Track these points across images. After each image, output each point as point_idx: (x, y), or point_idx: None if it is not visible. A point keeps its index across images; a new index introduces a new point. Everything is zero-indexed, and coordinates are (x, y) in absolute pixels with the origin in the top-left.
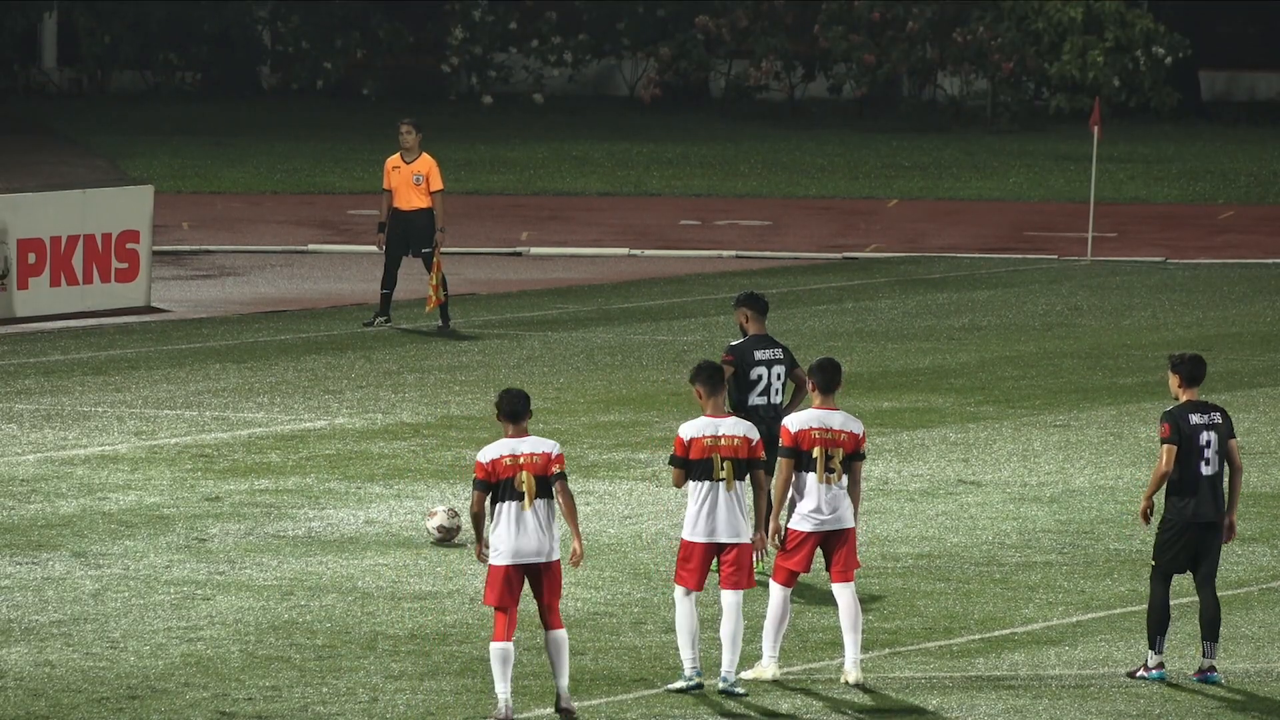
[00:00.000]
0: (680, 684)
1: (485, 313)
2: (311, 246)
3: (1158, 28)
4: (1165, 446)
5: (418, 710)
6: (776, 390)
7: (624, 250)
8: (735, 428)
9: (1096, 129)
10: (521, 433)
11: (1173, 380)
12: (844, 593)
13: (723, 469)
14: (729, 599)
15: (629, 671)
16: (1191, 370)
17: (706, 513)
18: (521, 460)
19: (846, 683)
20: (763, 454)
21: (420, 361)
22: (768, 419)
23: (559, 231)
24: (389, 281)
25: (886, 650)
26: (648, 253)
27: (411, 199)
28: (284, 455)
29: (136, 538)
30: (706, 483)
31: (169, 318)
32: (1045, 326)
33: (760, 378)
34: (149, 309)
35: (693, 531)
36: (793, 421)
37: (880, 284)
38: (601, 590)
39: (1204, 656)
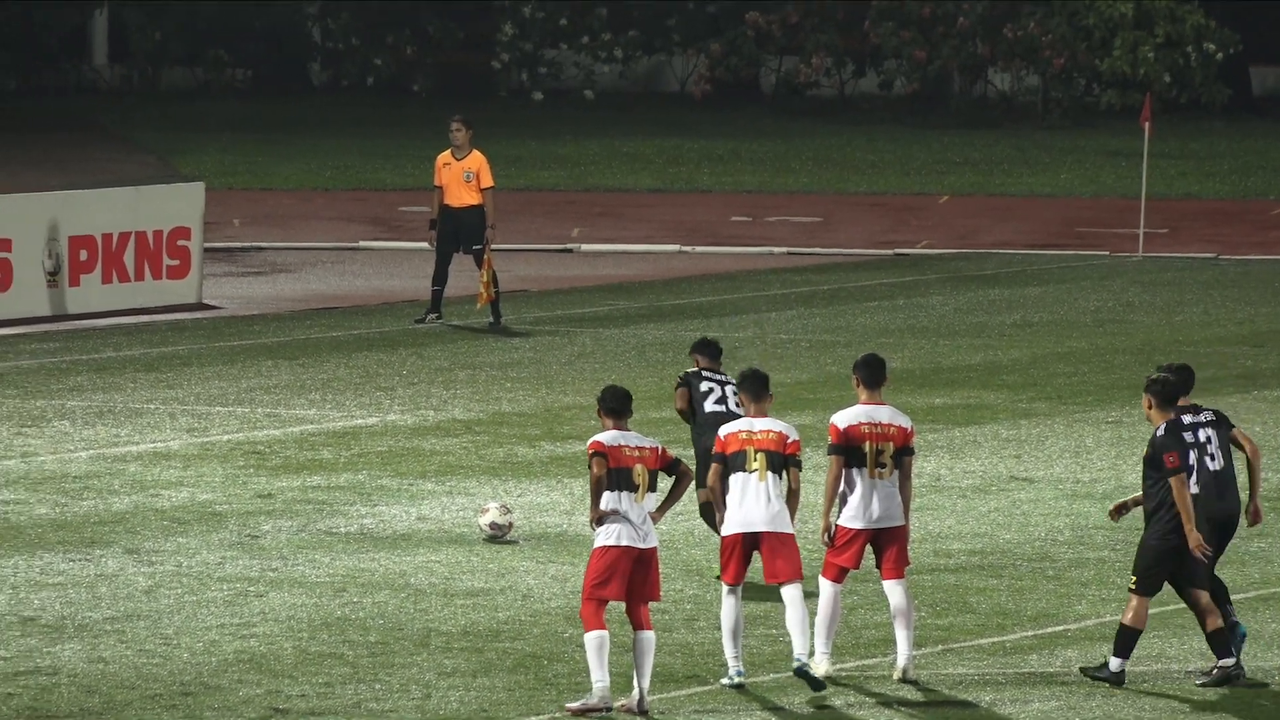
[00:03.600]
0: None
1: (536, 309)
2: (363, 243)
3: (1209, 23)
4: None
5: (470, 707)
6: (735, 401)
7: (675, 247)
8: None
9: (1147, 125)
10: (624, 427)
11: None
12: (895, 590)
13: (755, 460)
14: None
15: (681, 668)
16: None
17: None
18: (637, 453)
19: (899, 679)
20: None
21: (472, 358)
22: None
23: (610, 228)
24: (440, 278)
25: (939, 647)
26: (699, 249)
27: (462, 196)
28: (336, 452)
29: (189, 534)
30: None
31: (221, 314)
32: (1097, 323)
33: (711, 389)
34: (200, 306)
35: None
36: (841, 418)
37: (931, 280)
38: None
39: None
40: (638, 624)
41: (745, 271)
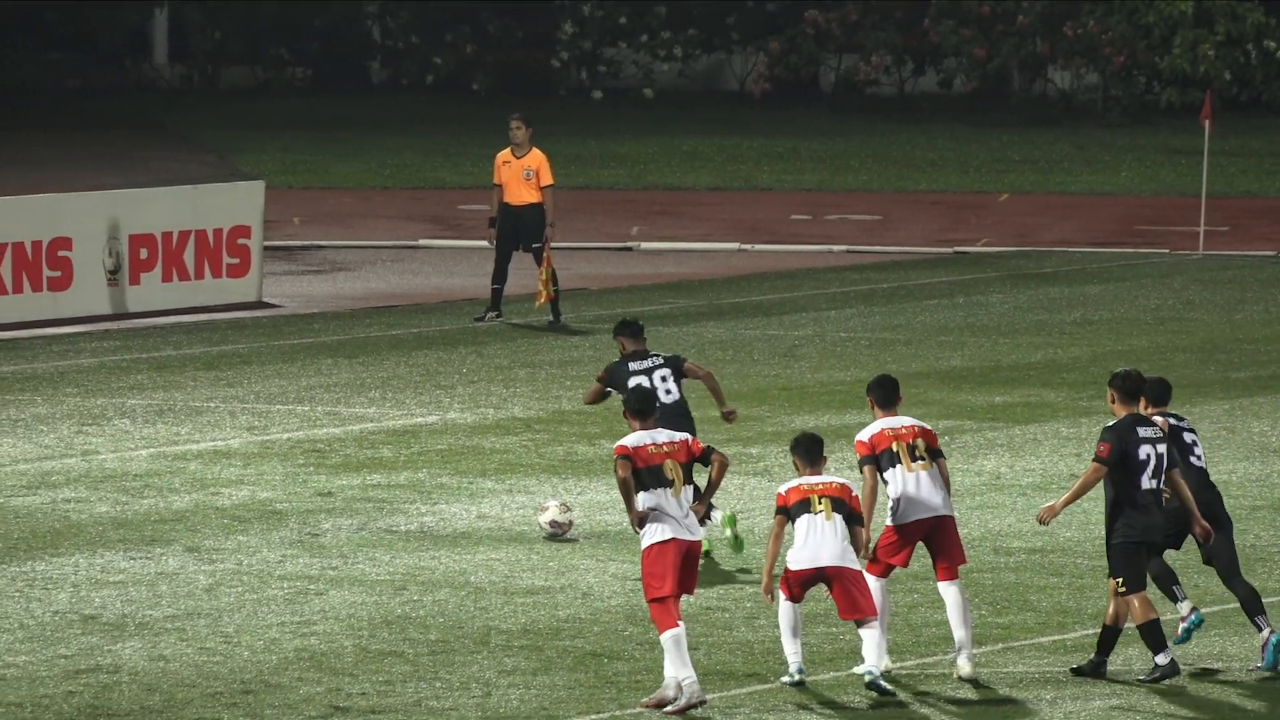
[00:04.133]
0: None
1: (596, 307)
2: (422, 241)
3: (1269, 21)
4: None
5: (530, 705)
6: (668, 391)
7: (734, 245)
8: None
9: (1207, 123)
10: (651, 426)
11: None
12: (950, 590)
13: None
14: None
15: (742, 666)
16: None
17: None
18: (665, 449)
19: (959, 677)
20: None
21: (531, 356)
22: (675, 415)
23: (669, 226)
24: (500, 276)
25: (1000, 645)
26: (758, 247)
27: (522, 194)
28: (396, 450)
29: (249, 533)
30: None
31: (280, 313)
32: (1157, 321)
33: (640, 385)
34: (260, 304)
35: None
36: (864, 432)
37: (991, 278)
38: (715, 585)
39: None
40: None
41: (805, 270)
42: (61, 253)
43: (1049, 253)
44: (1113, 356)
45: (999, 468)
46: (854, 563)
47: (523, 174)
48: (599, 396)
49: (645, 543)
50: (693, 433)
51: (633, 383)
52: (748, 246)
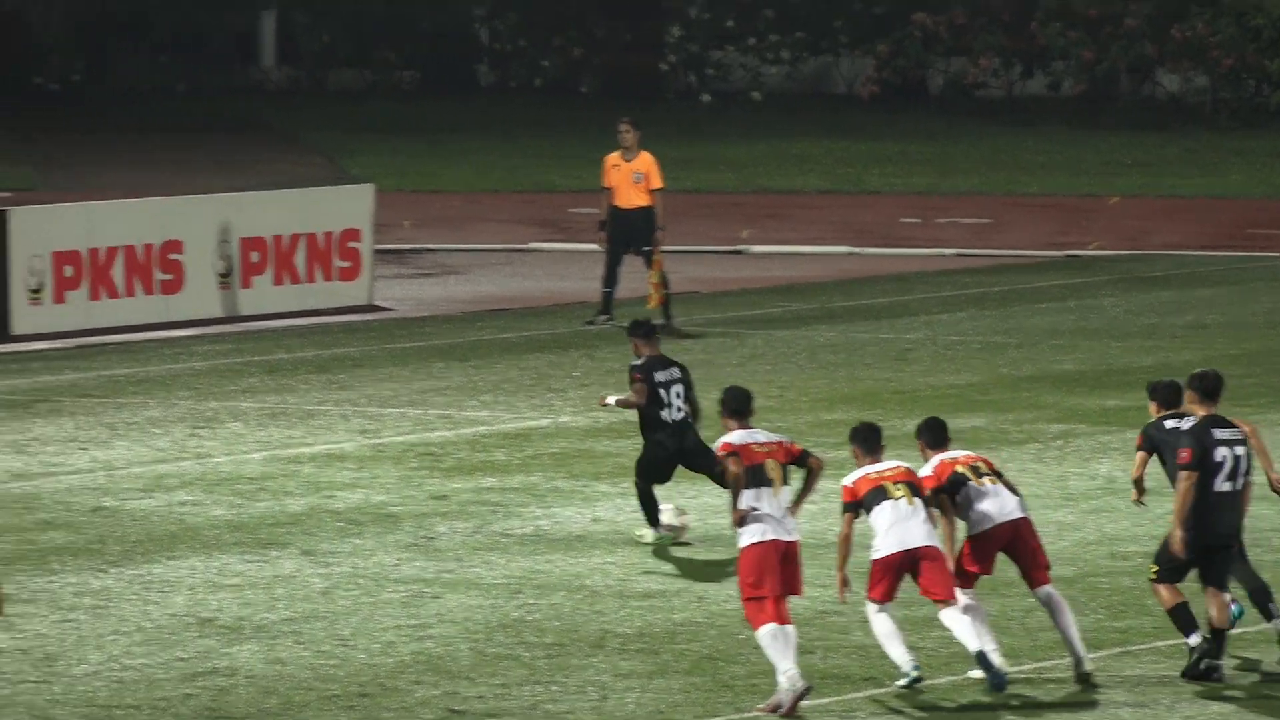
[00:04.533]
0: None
1: (707, 311)
2: (532, 245)
3: None
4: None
5: (647, 708)
6: (678, 409)
7: (844, 248)
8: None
9: None
10: (749, 426)
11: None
12: (1044, 594)
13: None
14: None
15: (858, 670)
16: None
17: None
18: (766, 449)
19: (1077, 680)
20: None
21: None
22: (678, 433)
23: (779, 229)
24: (610, 280)
25: (1117, 649)
26: (869, 251)
27: (631, 197)
28: (509, 453)
29: (364, 536)
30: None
31: (391, 316)
32: (1270, 324)
33: (661, 396)
34: (371, 308)
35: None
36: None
37: (1102, 282)
38: (829, 589)
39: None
40: (779, 618)
41: (915, 273)
42: (173, 256)
43: (1160, 256)
44: (1225, 360)
45: (1113, 471)
46: (940, 542)
47: (632, 177)
48: (650, 395)
49: (743, 542)
50: (680, 452)
51: (658, 391)
52: (859, 250)
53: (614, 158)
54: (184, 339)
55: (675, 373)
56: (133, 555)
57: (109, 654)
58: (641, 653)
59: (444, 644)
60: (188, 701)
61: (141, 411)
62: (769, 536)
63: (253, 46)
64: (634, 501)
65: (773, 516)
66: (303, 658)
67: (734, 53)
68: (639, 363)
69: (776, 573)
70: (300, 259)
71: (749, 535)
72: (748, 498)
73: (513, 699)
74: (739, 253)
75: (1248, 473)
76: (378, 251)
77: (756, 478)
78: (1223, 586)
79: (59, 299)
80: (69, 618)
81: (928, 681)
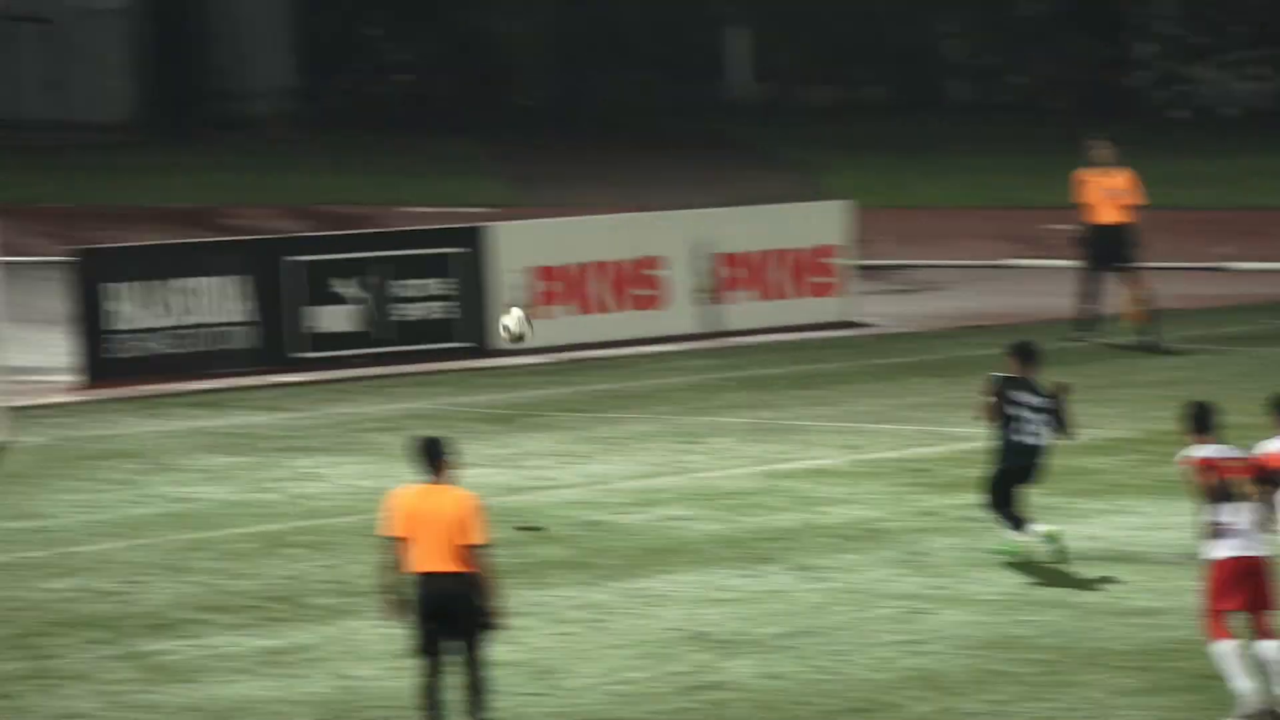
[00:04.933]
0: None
1: (1190, 327)
2: (1010, 260)
3: None
4: None
5: None
6: (1031, 433)
7: None
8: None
9: None
10: (1213, 441)
11: None
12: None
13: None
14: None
15: None
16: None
17: None
18: (1235, 464)
19: None
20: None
21: (1129, 376)
22: (1021, 454)
23: (1261, 246)
24: (1091, 296)
25: None
26: None
27: (1110, 213)
28: None
29: (855, 551)
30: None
31: (869, 332)
32: None
33: (1015, 415)
34: (848, 324)
35: None
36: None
37: None
38: None
39: None
40: (1260, 634)
41: None
42: (652, 271)
43: None
44: None
45: None
46: None
47: (1110, 193)
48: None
49: (1211, 556)
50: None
51: (1012, 410)
52: None
53: (1091, 174)
54: (663, 354)
55: (1036, 399)
56: (626, 569)
57: (606, 667)
58: (1138, 670)
59: (939, 659)
60: (685, 714)
61: (627, 425)
62: (1235, 552)
63: (726, 63)
64: (1127, 519)
65: (1242, 531)
66: (798, 672)
67: (1209, 69)
68: (994, 378)
69: (1243, 588)
70: (779, 275)
71: (1217, 550)
72: (1218, 512)
73: (1009, 715)
74: (1218, 270)
75: None
76: (857, 267)
77: (1226, 493)
78: None
79: (538, 314)
80: (566, 631)
81: None
